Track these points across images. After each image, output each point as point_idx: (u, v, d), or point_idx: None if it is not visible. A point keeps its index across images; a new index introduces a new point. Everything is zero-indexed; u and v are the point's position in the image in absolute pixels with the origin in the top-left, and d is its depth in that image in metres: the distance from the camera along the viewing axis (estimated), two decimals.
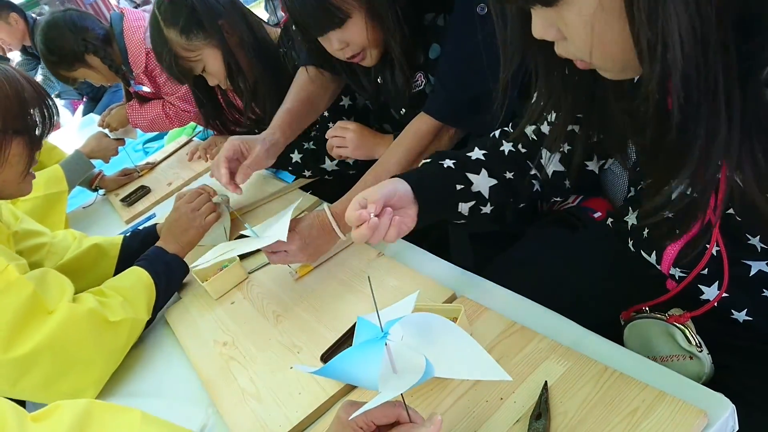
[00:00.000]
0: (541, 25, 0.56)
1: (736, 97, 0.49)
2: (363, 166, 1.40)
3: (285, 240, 0.97)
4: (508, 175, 0.86)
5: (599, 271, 0.90)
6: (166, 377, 1.03)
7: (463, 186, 0.85)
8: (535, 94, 0.72)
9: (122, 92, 3.78)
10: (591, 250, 0.93)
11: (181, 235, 1.26)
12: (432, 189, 0.83)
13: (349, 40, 1.06)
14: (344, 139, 1.32)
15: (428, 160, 0.87)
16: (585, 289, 0.90)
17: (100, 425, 0.65)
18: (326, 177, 1.57)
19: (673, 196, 0.58)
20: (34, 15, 3.54)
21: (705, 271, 0.69)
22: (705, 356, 0.73)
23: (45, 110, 1.09)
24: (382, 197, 0.77)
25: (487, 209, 0.86)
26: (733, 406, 0.60)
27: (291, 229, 1.02)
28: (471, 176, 0.85)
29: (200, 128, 2.52)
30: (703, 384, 0.63)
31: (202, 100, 1.68)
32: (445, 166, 0.85)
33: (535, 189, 0.88)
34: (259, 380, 0.90)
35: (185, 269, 1.24)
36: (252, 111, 1.60)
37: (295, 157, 1.55)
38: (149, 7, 2.06)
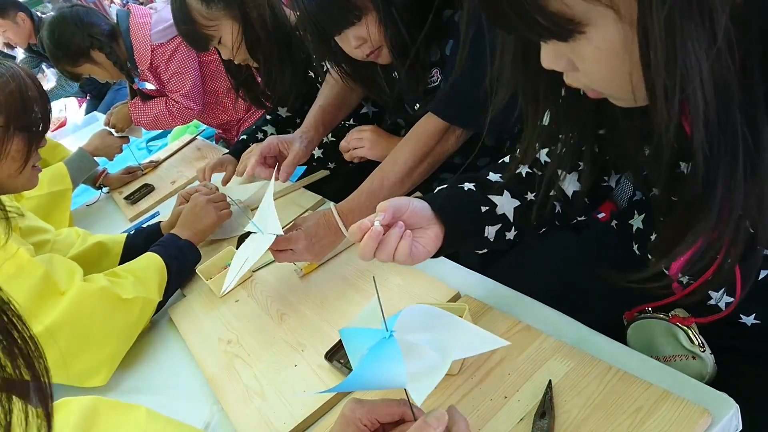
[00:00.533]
0: (552, 56, 0.54)
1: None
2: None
3: (282, 233, 0.98)
4: (530, 196, 0.82)
5: (603, 271, 0.89)
6: (171, 374, 1.04)
7: (488, 208, 0.79)
8: (543, 118, 0.70)
9: (125, 90, 3.81)
10: (595, 251, 0.93)
11: (195, 223, 1.29)
12: (456, 210, 0.76)
13: (366, 36, 1.06)
14: (361, 139, 1.33)
15: (444, 186, 0.82)
16: (588, 288, 0.90)
17: (107, 421, 0.65)
18: (350, 164, 1.59)
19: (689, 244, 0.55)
20: (39, 13, 3.55)
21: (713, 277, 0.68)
22: (708, 356, 0.73)
23: (46, 108, 1.11)
24: (392, 207, 0.69)
25: (510, 235, 0.81)
26: (737, 405, 0.60)
27: (297, 227, 1.02)
28: (494, 198, 0.80)
29: (204, 126, 2.53)
30: (706, 384, 0.63)
31: (232, 67, 1.68)
32: (466, 188, 0.80)
33: (556, 210, 0.84)
34: (263, 378, 0.90)
35: (198, 255, 1.27)
36: (268, 88, 1.61)
37: (317, 153, 1.56)
38: (156, 5, 2.07)
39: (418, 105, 1.25)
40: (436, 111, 1.12)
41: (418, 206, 0.72)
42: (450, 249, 0.77)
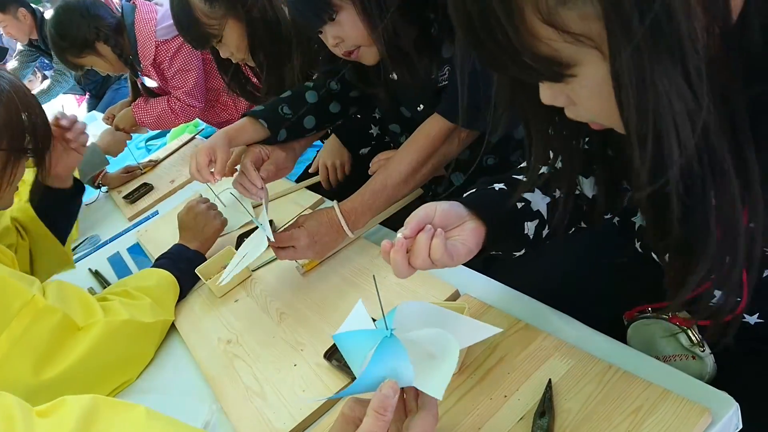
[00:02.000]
0: (550, 94, 0.54)
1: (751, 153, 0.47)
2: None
3: (272, 239, 0.98)
4: (557, 193, 0.79)
5: (603, 270, 0.89)
6: (171, 374, 1.04)
7: (523, 204, 0.77)
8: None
9: (125, 90, 3.80)
10: (595, 249, 0.93)
11: (200, 232, 1.28)
12: (493, 206, 0.73)
13: (343, 35, 1.04)
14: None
15: (473, 190, 0.79)
16: (589, 287, 0.90)
17: (106, 421, 0.65)
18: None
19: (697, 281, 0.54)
20: (41, 9, 3.56)
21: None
22: (707, 356, 0.73)
23: (45, 125, 1.08)
24: (416, 218, 0.67)
25: (545, 233, 0.79)
26: (737, 404, 0.60)
27: (299, 226, 1.02)
28: (526, 195, 0.78)
29: (203, 125, 2.53)
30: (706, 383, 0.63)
31: (223, 63, 1.68)
32: (497, 188, 0.77)
33: (584, 209, 0.82)
34: (263, 378, 0.90)
35: None
36: (268, 86, 1.60)
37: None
38: (161, 0, 2.08)
39: (422, 106, 1.23)
40: (443, 111, 1.11)
41: (446, 207, 0.70)
42: (493, 247, 0.74)
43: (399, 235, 0.65)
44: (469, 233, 0.70)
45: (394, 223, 1.18)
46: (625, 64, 0.43)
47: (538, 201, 0.78)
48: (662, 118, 0.44)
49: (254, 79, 1.78)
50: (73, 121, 1.31)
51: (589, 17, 0.44)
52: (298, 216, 1.04)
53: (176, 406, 0.95)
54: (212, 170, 1.11)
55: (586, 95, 0.51)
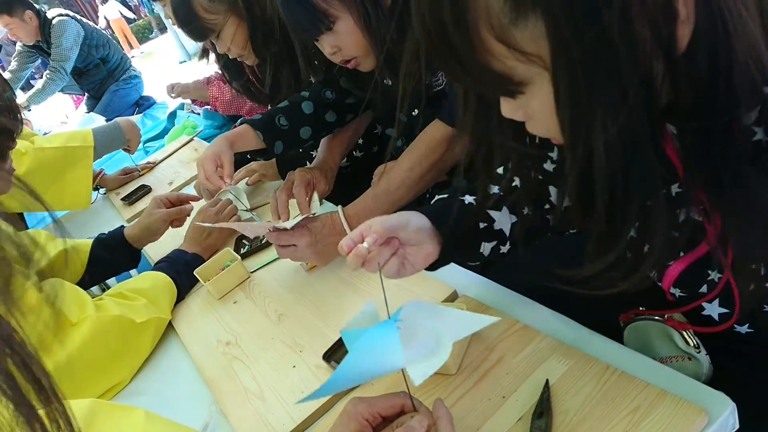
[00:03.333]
0: (509, 108, 0.56)
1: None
2: (371, 164, 1.41)
3: (288, 228, 0.98)
4: (526, 210, 0.82)
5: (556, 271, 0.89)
6: (170, 376, 1.04)
7: (486, 224, 0.79)
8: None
9: (123, 91, 3.79)
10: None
11: (204, 239, 1.28)
12: (455, 226, 0.76)
13: (341, 44, 1.05)
14: None
15: (445, 195, 0.82)
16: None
17: (105, 425, 0.65)
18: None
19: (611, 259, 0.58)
20: (44, 10, 3.55)
21: (704, 289, 0.68)
22: (703, 357, 0.73)
23: (13, 110, 1.07)
24: (386, 229, 0.70)
25: (505, 249, 0.82)
26: (734, 404, 0.60)
27: (303, 226, 1.02)
28: (492, 213, 0.81)
29: (201, 127, 2.52)
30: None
31: (223, 60, 1.67)
32: (467, 202, 0.80)
33: (550, 224, 0.84)
34: (262, 379, 0.90)
35: None
36: (271, 85, 1.60)
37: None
38: None
39: (416, 111, 1.23)
40: (444, 117, 1.10)
41: (417, 223, 0.73)
42: (445, 262, 0.78)
43: (365, 244, 0.67)
44: (424, 258, 0.74)
45: None
46: (562, 85, 0.45)
47: (503, 221, 0.81)
48: (593, 137, 0.46)
49: (251, 78, 1.77)
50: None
51: (539, 38, 0.45)
52: (303, 218, 1.04)
53: (175, 408, 0.95)
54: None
55: (538, 112, 0.53)
